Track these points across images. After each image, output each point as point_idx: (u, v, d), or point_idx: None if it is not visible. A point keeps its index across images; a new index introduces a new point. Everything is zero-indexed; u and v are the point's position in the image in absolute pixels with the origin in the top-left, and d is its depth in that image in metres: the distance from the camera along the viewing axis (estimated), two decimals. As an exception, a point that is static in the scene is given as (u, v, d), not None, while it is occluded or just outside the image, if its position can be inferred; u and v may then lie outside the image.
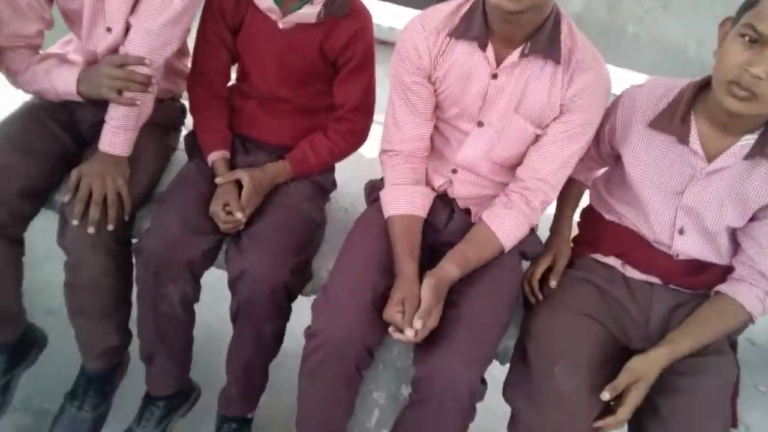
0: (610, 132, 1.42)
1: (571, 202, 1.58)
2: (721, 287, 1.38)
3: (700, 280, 1.42)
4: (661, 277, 1.43)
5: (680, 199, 1.35)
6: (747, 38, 1.14)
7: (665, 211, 1.38)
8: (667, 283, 1.43)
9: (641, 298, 1.41)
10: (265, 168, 1.54)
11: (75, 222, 1.39)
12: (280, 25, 1.49)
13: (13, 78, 1.54)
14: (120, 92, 1.38)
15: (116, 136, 1.46)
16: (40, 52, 1.57)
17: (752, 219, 1.35)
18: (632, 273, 1.44)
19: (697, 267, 1.42)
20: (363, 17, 1.53)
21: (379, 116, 1.60)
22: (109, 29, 1.48)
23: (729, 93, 1.17)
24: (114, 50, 1.50)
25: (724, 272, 1.41)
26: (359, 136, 1.63)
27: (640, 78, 3.76)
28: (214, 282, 1.53)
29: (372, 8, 1.58)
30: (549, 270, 1.48)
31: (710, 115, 1.28)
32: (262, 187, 1.51)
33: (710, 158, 1.30)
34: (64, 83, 1.47)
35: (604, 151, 1.47)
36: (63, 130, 1.56)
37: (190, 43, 1.65)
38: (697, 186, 1.33)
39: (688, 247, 1.39)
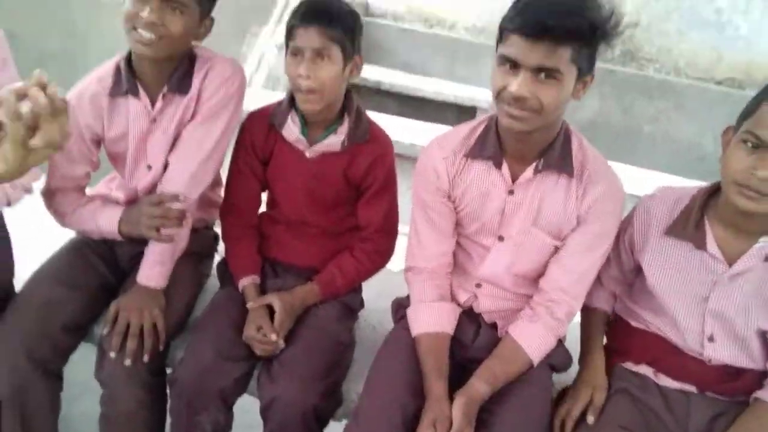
0: (630, 244, 1.45)
1: (599, 331, 1.54)
2: (760, 394, 1.34)
3: (737, 386, 1.38)
4: (695, 384, 1.40)
5: (706, 305, 1.35)
6: (749, 144, 1.19)
7: (692, 318, 1.37)
8: (703, 391, 1.39)
9: (677, 408, 1.38)
10: (294, 291, 1.58)
11: (113, 354, 1.43)
12: (307, 155, 1.58)
13: (61, 219, 1.65)
14: (158, 230, 1.47)
15: (153, 269, 1.54)
16: (87, 189, 1.70)
17: None
18: (665, 381, 1.41)
19: (732, 373, 1.38)
20: (383, 143, 1.62)
21: (403, 227, 1.65)
22: (149, 167, 1.60)
23: (740, 193, 1.21)
24: (153, 186, 1.61)
25: (761, 376, 1.37)
26: (384, 255, 1.68)
27: (659, 177, 3.82)
28: (247, 408, 1.53)
29: (394, 125, 1.68)
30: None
31: (724, 218, 1.31)
32: (293, 309, 1.55)
33: (730, 261, 1.31)
34: (108, 225, 1.58)
35: (626, 267, 1.49)
36: (104, 264, 1.64)
37: (223, 174, 1.75)
38: (722, 291, 1.33)
39: (720, 353, 1.37)
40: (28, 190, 1.74)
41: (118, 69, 1.54)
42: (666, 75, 5.89)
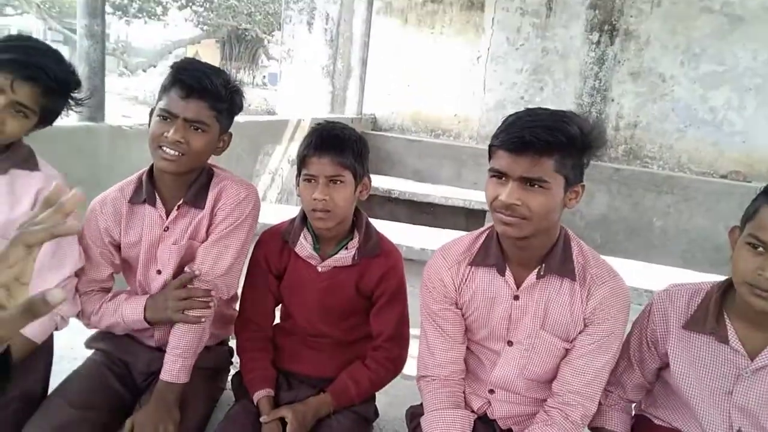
0: (653, 341, 1.45)
1: None
2: None
3: None
4: None
5: (731, 399, 1.34)
6: (754, 246, 1.24)
7: (717, 412, 1.36)
8: None
9: None
10: (307, 402, 1.59)
11: None
12: (320, 269, 1.64)
13: (87, 319, 1.70)
14: (184, 312, 1.53)
15: (175, 364, 1.58)
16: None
17: None
18: None
19: None
20: (393, 256, 1.69)
21: (413, 330, 1.68)
22: (159, 272, 1.68)
23: (752, 294, 1.24)
24: (160, 287, 1.67)
25: None
26: (397, 364, 1.69)
27: (674, 272, 3.83)
28: None
29: (405, 231, 1.74)
30: None
31: (742, 313, 1.33)
32: (305, 421, 1.55)
33: (752, 355, 1.32)
34: (133, 313, 1.63)
35: (649, 368, 1.48)
36: (120, 383, 1.67)
37: (238, 290, 1.81)
38: (745, 384, 1.33)
39: None
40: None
41: (140, 180, 1.67)
42: (670, 171, 6.04)
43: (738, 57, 5.83)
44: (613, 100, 6.20)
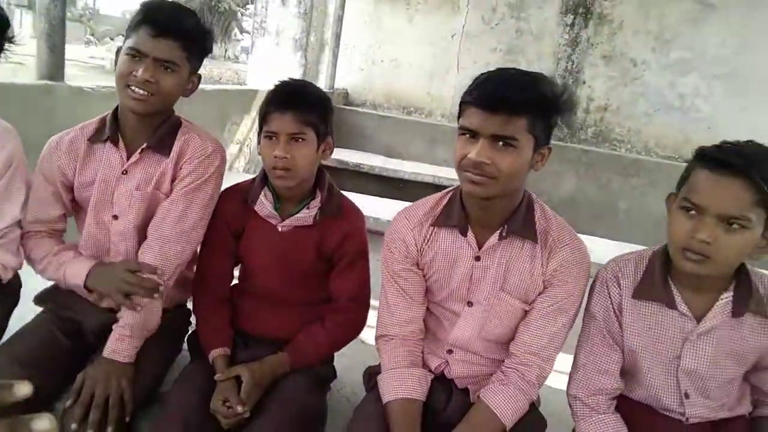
0: (619, 310, 1.41)
1: None
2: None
3: None
4: None
5: (679, 363, 1.36)
6: (687, 210, 1.24)
7: (667, 377, 1.38)
8: None
9: None
10: (264, 361, 1.57)
11: (74, 426, 1.39)
12: (280, 229, 1.61)
13: (33, 264, 1.65)
14: (127, 296, 1.46)
15: (120, 343, 1.52)
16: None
17: (755, 367, 1.37)
18: None
19: (710, 430, 1.38)
20: (355, 217, 1.66)
21: (373, 301, 1.66)
22: (115, 217, 1.62)
23: (684, 258, 1.24)
24: (120, 238, 1.62)
25: (737, 429, 1.38)
26: (356, 326, 1.68)
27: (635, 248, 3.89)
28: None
29: (373, 203, 1.72)
30: None
31: (683, 278, 1.34)
32: (261, 380, 1.53)
33: (698, 318, 1.33)
34: (75, 276, 1.56)
35: (621, 341, 1.43)
36: (69, 339, 1.62)
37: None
38: (692, 348, 1.35)
39: (697, 409, 1.37)
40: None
41: (103, 120, 1.62)
42: (637, 154, 6.11)
43: (708, 44, 5.89)
44: (584, 83, 6.23)
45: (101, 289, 1.54)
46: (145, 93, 1.49)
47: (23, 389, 0.56)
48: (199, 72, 1.64)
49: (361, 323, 1.69)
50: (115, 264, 1.56)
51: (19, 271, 1.67)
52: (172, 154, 1.60)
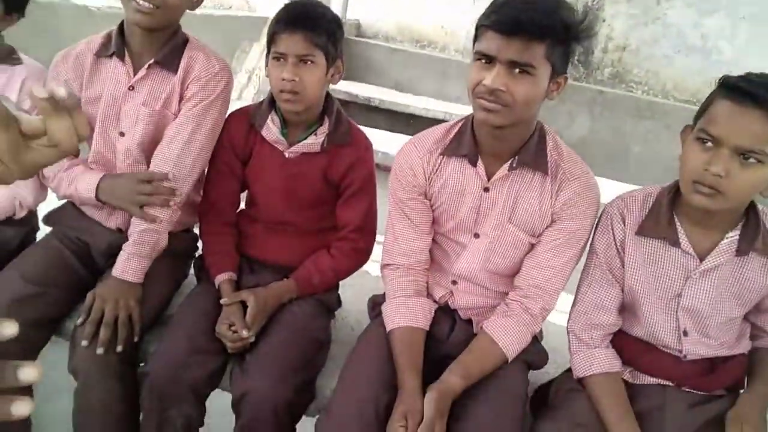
0: (621, 247, 1.39)
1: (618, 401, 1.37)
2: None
3: (714, 379, 1.39)
4: (672, 380, 1.40)
5: (679, 301, 1.35)
6: (703, 141, 1.20)
7: (667, 314, 1.37)
8: (680, 387, 1.39)
9: (653, 397, 1.38)
10: (270, 287, 1.57)
11: (84, 343, 1.42)
12: (287, 155, 1.59)
13: (47, 182, 1.67)
14: (142, 207, 1.46)
15: (129, 263, 1.53)
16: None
17: (757, 308, 1.37)
18: (642, 379, 1.41)
19: (707, 367, 1.39)
20: (363, 145, 1.63)
21: (380, 237, 1.65)
22: (122, 134, 1.60)
23: (695, 191, 1.21)
24: (127, 155, 1.61)
25: (735, 367, 1.39)
26: (362, 254, 1.68)
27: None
28: (224, 411, 1.52)
29: (383, 137, 1.69)
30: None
31: (690, 215, 1.32)
32: (267, 305, 1.54)
33: (701, 257, 1.32)
34: (87, 189, 1.57)
35: (622, 278, 1.41)
36: (78, 261, 1.63)
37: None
38: (694, 286, 1.34)
39: (695, 347, 1.37)
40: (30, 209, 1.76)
41: (108, 35, 1.59)
42: (654, 97, 5.98)
43: (736, -18, 5.66)
44: (604, 21, 6.03)
45: (114, 202, 1.55)
46: (151, 6, 1.45)
47: (8, 329, 0.55)
48: None
49: (366, 252, 1.69)
50: (125, 175, 1.56)
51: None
52: (179, 71, 1.58)
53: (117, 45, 1.57)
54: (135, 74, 1.58)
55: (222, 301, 1.53)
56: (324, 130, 1.58)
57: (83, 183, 1.58)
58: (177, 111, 1.59)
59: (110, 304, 1.46)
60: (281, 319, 1.54)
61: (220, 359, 1.48)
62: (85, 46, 1.61)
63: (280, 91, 1.48)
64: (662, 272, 1.35)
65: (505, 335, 1.39)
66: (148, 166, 1.62)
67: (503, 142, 1.38)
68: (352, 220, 1.63)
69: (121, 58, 1.57)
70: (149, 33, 1.54)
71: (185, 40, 1.62)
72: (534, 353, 1.48)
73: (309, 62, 1.47)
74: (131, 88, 1.58)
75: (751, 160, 1.15)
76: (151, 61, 1.57)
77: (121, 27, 1.58)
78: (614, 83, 6.12)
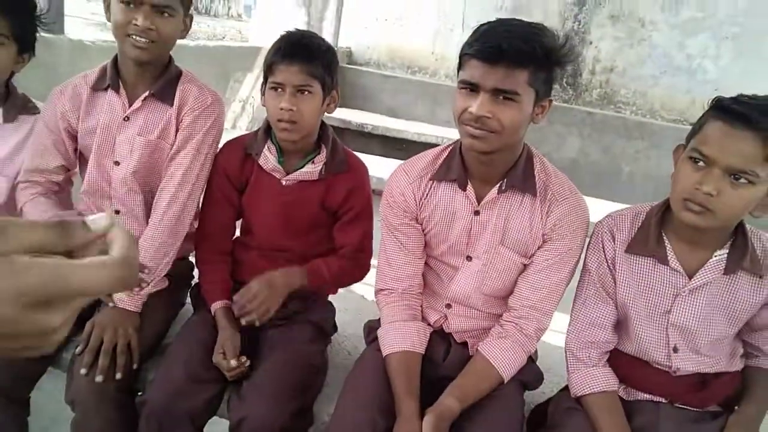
0: (613, 264, 1.42)
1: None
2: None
3: (706, 395, 1.40)
4: (664, 396, 1.41)
5: (668, 318, 1.37)
6: (695, 161, 1.23)
7: (657, 331, 1.39)
8: (672, 403, 1.41)
9: (646, 413, 1.39)
10: (279, 271, 1.57)
11: (83, 371, 1.42)
12: (284, 182, 1.62)
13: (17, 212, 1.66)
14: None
15: (128, 294, 1.55)
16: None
17: (748, 326, 1.39)
18: (635, 395, 1.43)
19: (698, 383, 1.40)
20: (360, 172, 1.66)
21: (374, 261, 1.67)
22: (117, 163, 1.64)
23: (685, 208, 1.24)
24: (122, 184, 1.63)
25: (727, 383, 1.40)
26: (362, 269, 1.70)
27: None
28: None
29: (377, 163, 1.72)
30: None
31: (679, 233, 1.34)
32: (275, 286, 1.52)
33: (690, 274, 1.34)
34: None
35: (615, 295, 1.43)
36: None
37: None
38: (683, 303, 1.36)
39: (684, 363, 1.39)
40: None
41: (103, 68, 1.64)
42: (642, 117, 6.06)
43: (718, 4, 5.77)
44: (591, 43, 6.13)
45: None
46: (147, 41, 1.50)
47: (101, 222, 0.46)
48: (191, 12, 1.63)
49: (365, 268, 1.71)
50: None
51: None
52: (175, 104, 1.62)
53: (112, 78, 1.61)
54: (130, 105, 1.62)
55: (235, 297, 1.53)
56: (321, 158, 1.61)
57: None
58: (173, 142, 1.63)
59: (109, 333, 1.48)
60: (278, 345, 1.55)
61: (218, 387, 1.49)
62: (81, 79, 1.65)
63: (278, 121, 1.51)
64: (651, 289, 1.38)
65: (501, 356, 1.41)
66: (143, 195, 1.66)
67: (491, 166, 1.41)
68: (349, 243, 1.66)
69: (116, 90, 1.62)
70: (143, 65, 1.58)
71: (178, 73, 1.66)
72: (529, 373, 1.49)
73: (306, 92, 1.51)
74: (126, 118, 1.62)
75: (742, 180, 1.18)
76: (147, 94, 1.61)
77: (115, 60, 1.63)
78: (603, 104, 6.20)
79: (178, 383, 1.43)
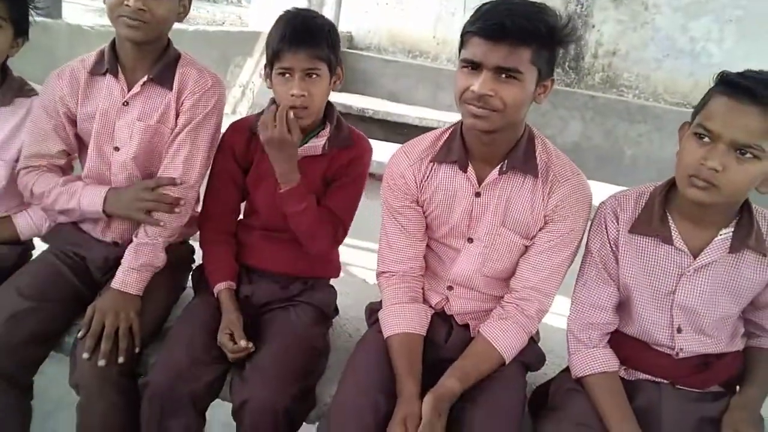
0: (616, 245, 1.41)
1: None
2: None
3: (707, 377, 1.40)
4: (666, 377, 1.41)
5: (673, 298, 1.37)
6: (700, 136, 1.22)
7: (660, 311, 1.39)
8: (674, 384, 1.41)
9: (649, 393, 1.39)
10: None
11: (86, 355, 1.42)
12: None
13: (38, 199, 1.65)
14: (149, 212, 1.53)
15: (129, 276, 1.55)
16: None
17: (753, 305, 1.38)
18: (636, 375, 1.43)
19: (700, 364, 1.40)
20: (362, 146, 1.66)
21: (372, 244, 1.65)
22: (117, 148, 1.62)
23: (690, 185, 1.23)
24: (122, 169, 1.63)
25: (729, 364, 1.40)
26: (335, 233, 1.63)
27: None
28: (225, 422, 1.53)
29: (378, 147, 1.71)
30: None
31: (684, 212, 1.34)
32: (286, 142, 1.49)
33: (694, 254, 1.33)
34: (91, 203, 1.59)
35: (617, 276, 1.42)
36: (76, 276, 1.64)
37: (201, 190, 1.77)
38: (688, 283, 1.35)
39: (689, 343, 1.39)
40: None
41: (101, 53, 1.62)
42: (645, 101, 6.03)
43: (722, -15, 5.73)
44: (593, 27, 6.09)
45: (121, 212, 1.59)
46: (139, 21, 1.48)
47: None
48: None
49: (337, 236, 1.64)
50: (131, 186, 1.60)
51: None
52: (174, 87, 1.60)
53: (110, 62, 1.59)
54: (129, 90, 1.60)
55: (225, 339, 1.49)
56: (326, 133, 1.60)
57: (87, 197, 1.60)
58: (174, 126, 1.62)
59: (110, 317, 1.47)
60: (280, 328, 1.55)
61: (220, 369, 1.48)
62: (79, 63, 1.63)
63: (291, 108, 1.50)
64: (655, 269, 1.37)
65: (502, 338, 1.41)
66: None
67: (492, 146, 1.40)
68: (332, 205, 1.62)
69: (115, 74, 1.60)
70: (140, 48, 1.57)
71: (177, 56, 1.64)
72: (531, 355, 1.49)
73: (315, 75, 1.51)
74: (125, 103, 1.60)
75: (748, 155, 1.17)
76: (146, 78, 1.59)
77: (113, 44, 1.60)
78: (605, 88, 6.17)
79: (180, 366, 1.43)
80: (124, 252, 1.60)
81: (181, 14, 1.61)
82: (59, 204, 1.62)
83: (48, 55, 2.71)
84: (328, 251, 1.71)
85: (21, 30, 1.65)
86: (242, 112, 4.53)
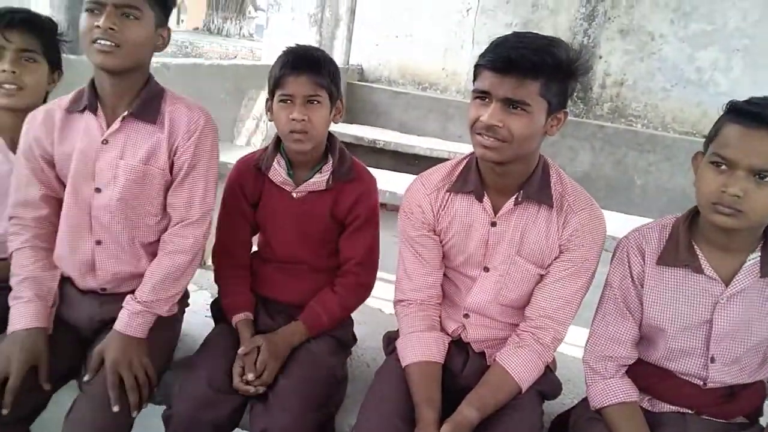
0: (639, 280, 1.41)
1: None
2: None
3: (733, 407, 1.39)
4: (690, 407, 1.41)
5: (709, 327, 1.35)
6: (717, 165, 1.24)
7: (694, 342, 1.38)
8: (700, 414, 1.40)
9: (673, 424, 1.38)
10: (277, 332, 1.59)
11: (116, 408, 1.39)
12: (294, 195, 1.65)
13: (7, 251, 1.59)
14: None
15: (133, 320, 1.50)
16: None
17: None
18: (661, 407, 1.43)
19: (726, 395, 1.40)
20: (367, 181, 1.69)
21: (386, 274, 1.68)
22: (98, 189, 1.53)
23: (716, 212, 1.25)
24: (104, 211, 1.53)
25: (753, 394, 1.39)
26: (366, 288, 1.70)
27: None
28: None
29: (388, 177, 1.73)
30: None
31: (710, 239, 1.34)
32: (277, 350, 1.54)
33: (726, 281, 1.33)
34: (14, 322, 1.49)
35: (638, 310, 1.43)
36: (65, 342, 1.57)
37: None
38: (723, 311, 1.34)
39: (720, 374, 1.38)
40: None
41: (80, 91, 1.55)
42: (654, 130, 6.06)
43: (728, 16, 5.80)
44: (600, 57, 6.17)
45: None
46: (111, 44, 1.39)
47: None
48: (168, 26, 1.54)
49: (369, 285, 1.71)
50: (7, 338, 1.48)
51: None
52: (165, 125, 1.53)
53: (89, 98, 1.51)
54: (108, 127, 1.52)
55: (239, 351, 1.54)
56: (328, 167, 1.64)
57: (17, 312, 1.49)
58: (164, 167, 1.54)
59: (125, 368, 1.44)
60: (299, 357, 1.56)
61: (241, 398, 1.49)
62: (54, 103, 1.56)
63: (290, 132, 1.55)
64: (687, 300, 1.36)
65: (518, 366, 1.42)
66: (130, 222, 1.57)
67: (506, 177, 1.43)
68: (354, 254, 1.67)
69: (94, 111, 1.51)
70: (118, 80, 1.48)
71: (160, 91, 1.57)
72: (547, 383, 1.50)
73: (315, 102, 1.55)
74: (105, 141, 1.51)
75: (767, 178, 1.20)
76: (125, 114, 1.51)
77: (92, 82, 1.52)
78: (614, 118, 6.22)
79: (202, 395, 1.45)
80: (112, 307, 1.54)
81: (160, 45, 1.52)
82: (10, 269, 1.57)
83: (71, 91, 2.78)
84: (365, 299, 1.75)
85: (55, 65, 1.69)
86: (256, 143, 4.60)
